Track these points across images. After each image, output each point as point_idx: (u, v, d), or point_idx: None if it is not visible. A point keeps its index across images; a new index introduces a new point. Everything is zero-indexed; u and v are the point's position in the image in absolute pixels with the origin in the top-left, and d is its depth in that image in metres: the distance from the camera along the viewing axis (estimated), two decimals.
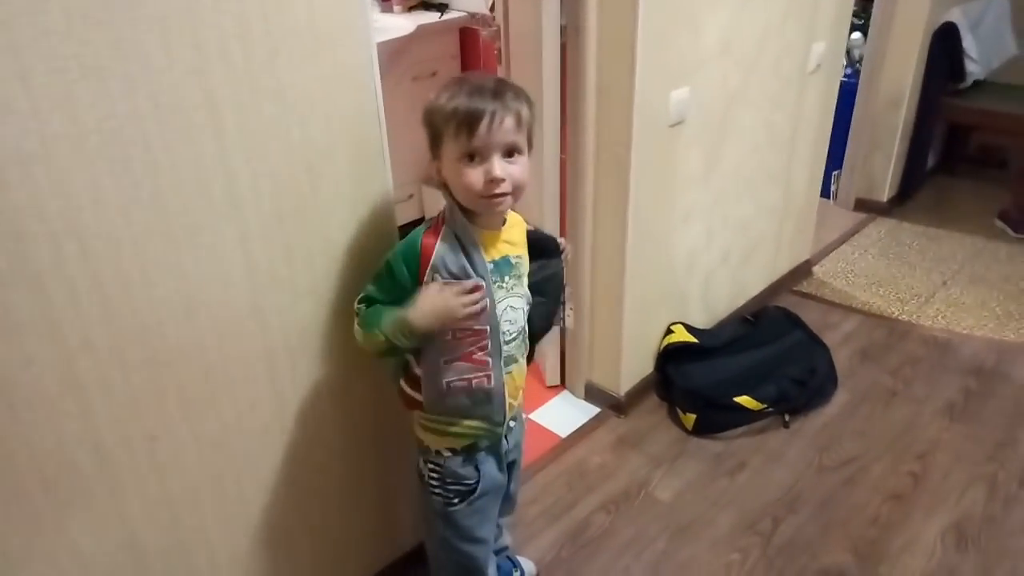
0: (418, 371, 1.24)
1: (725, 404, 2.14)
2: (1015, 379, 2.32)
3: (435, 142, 1.14)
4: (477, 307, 1.15)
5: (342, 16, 1.18)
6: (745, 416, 2.14)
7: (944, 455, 2.02)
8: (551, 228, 2.10)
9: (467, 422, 1.26)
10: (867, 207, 3.49)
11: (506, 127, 1.10)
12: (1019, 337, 2.52)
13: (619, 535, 1.82)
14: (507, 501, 1.49)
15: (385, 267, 1.19)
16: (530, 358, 1.36)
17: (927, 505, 1.87)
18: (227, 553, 1.34)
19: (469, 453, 1.30)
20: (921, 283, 2.88)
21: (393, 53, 2.87)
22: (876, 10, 3.17)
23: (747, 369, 2.23)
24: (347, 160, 1.26)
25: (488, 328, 1.19)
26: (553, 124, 1.99)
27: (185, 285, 1.11)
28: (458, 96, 1.10)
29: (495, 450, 1.33)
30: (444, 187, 1.18)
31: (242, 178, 1.13)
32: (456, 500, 1.31)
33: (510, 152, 1.12)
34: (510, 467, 1.41)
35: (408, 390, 1.28)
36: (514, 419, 1.35)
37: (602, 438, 2.14)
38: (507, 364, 1.25)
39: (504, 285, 1.21)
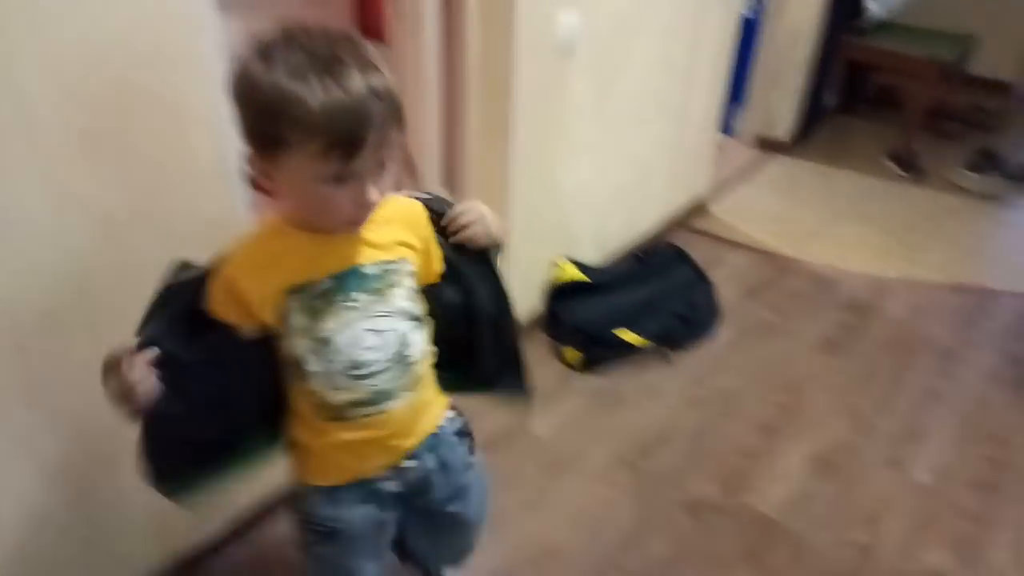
0: None
1: (609, 340, 2.13)
2: (888, 314, 2.40)
3: (267, 143, 0.83)
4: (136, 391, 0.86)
5: None
6: (629, 352, 2.15)
7: (814, 387, 2.09)
8: (433, 158, 2.01)
9: None
10: (767, 145, 3.51)
11: (388, 141, 0.84)
12: (896, 273, 2.61)
13: (496, 472, 1.79)
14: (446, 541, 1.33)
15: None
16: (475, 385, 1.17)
17: (793, 435, 1.92)
18: None
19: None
20: (810, 220, 2.94)
21: None
22: None
23: (632, 305, 2.22)
24: (173, 70, 1.13)
25: None
26: (434, 44, 1.87)
27: None
28: (315, 89, 0.77)
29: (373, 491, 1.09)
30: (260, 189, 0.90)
31: (36, 93, 1.00)
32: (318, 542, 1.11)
33: (382, 164, 0.86)
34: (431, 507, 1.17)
35: None
36: (413, 458, 1.09)
37: None
38: (378, 401, 0.99)
39: (355, 303, 0.94)
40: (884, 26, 3.49)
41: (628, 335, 2.14)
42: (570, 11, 1.86)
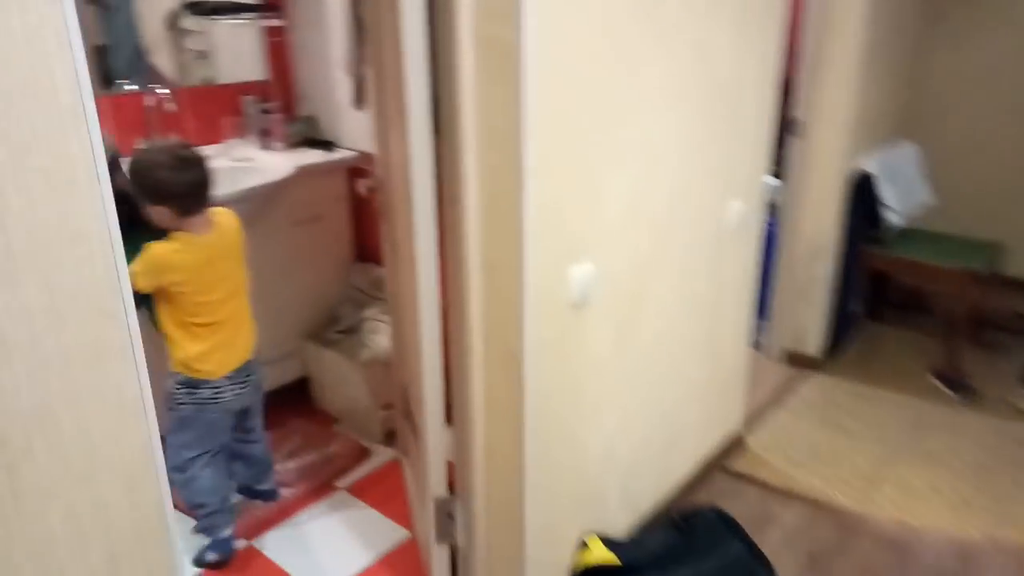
0: None
1: None
2: None
3: None
4: None
5: None
6: None
7: None
8: (437, 446, 1.70)
9: None
10: (797, 361, 3.23)
11: None
12: (980, 532, 2.20)
13: None
14: None
15: None
16: None
17: None
18: None
19: None
20: (864, 459, 2.57)
21: (270, 195, 2.54)
22: (791, 160, 3.02)
23: None
24: None
25: None
26: (431, 303, 1.62)
27: None
28: None
29: None
30: None
31: None
32: None
33: None
34: None
35: None
36: None
37: None
38: None
39: None
40: (905, 234, 3.33)
41: None
42: (582, 263, 1.63)
